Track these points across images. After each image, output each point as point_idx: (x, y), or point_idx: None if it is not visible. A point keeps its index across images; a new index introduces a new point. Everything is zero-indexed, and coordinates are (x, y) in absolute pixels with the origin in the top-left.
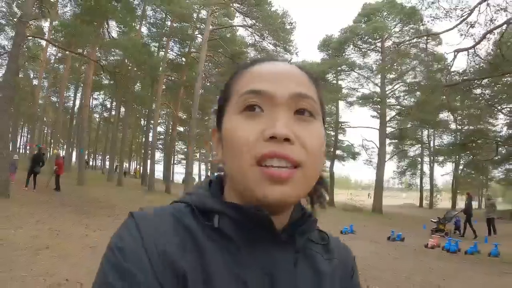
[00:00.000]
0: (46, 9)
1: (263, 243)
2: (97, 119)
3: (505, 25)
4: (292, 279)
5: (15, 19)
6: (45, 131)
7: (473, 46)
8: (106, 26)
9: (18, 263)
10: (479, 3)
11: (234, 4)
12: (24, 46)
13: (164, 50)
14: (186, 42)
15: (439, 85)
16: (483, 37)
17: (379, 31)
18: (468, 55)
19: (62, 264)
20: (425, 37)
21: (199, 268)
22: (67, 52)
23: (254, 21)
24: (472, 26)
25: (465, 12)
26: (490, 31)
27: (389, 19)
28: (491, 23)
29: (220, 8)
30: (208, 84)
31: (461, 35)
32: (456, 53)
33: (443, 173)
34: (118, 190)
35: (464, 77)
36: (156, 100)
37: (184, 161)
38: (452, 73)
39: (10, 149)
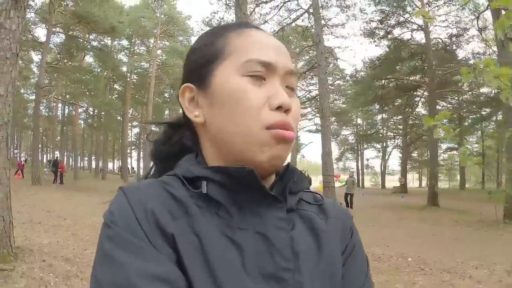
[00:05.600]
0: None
1: (253, 205)
2: (82, 124)
3: None
4: (288, 237)
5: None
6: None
7: None
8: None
9: (59, 211)
10: None
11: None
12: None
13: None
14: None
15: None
16: None
17: None
18: None
19: (74, 211)
20: None
21: (189, 231)
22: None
23: None
24: None
25: None
26: None
27: None
28: None
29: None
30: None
31: None
32: None
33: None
34: (102, 182)
35: None
36: (125, 106)
37: None
38: None
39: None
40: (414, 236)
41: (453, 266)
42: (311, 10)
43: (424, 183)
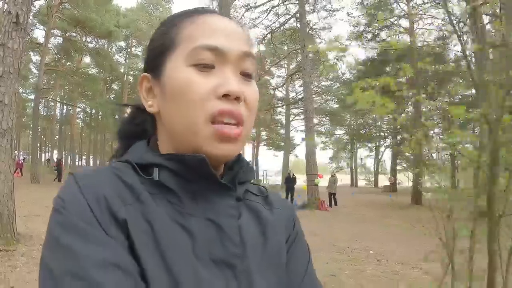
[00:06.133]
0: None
1: (204, 192)
2: (80, 124)
3: None
4: (236, 225)
5: None
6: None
7: None
8: None
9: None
10: None
11: None
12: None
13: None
14: None
15: None
16: None
17: None
18: None
19: None
20: None
21: (140, 218)
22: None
23: None
24: None
25: None
26: None
27: None
28: None
29: None
30: None
31: None
32: None
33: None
34: None
35: None
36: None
37: None
38: None
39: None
40: (388, 233)
41: (409, 259)
42: (298, 15)
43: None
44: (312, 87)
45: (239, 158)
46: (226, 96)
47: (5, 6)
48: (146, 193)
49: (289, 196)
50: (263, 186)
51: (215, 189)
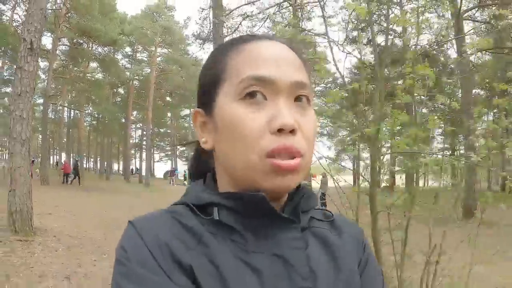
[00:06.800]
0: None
1: (267, 227)
2: (87, 127)
3: None
4: (304, 256)
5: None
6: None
7: None
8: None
9: (67, 204)
10: None
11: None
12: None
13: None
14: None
15: None
16: None
17: None
18: None
19: (80, 203)
20: None
21: (205, 261)
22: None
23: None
24: None
25: None
26: None
27: None
28: None
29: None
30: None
31: None
32: None
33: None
34: (106, 182)
35: None
36: (128, 110)
37: (165, 158)
38: None
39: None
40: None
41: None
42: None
43: (425, 182)
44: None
45: (299, 186)
46: (280, 130)
47: (21, 32)
48: (207, 234)
49: None
50: (328, 211)
51: (277, 223)
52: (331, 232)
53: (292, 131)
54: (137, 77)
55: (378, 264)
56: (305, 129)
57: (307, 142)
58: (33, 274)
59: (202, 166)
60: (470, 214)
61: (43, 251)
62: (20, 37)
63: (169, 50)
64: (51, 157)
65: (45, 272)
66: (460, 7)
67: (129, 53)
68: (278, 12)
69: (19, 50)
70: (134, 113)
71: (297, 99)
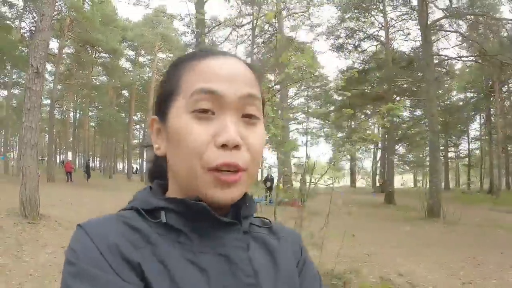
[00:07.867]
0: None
1: (211, 230)
2: (92, 128)
3: None
4: (246, 256)
5: None
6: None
7: None
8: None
9: (75, 198)
10: None
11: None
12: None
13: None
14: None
15: None
16: None
17: None
18: None
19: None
20: None
21: (153, 259)
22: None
23: None
24: None
25: None
26: None
27: None
28: None
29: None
30: None
31: None
32: None
33: None
34: (109, 180)
35: None
36: (130, 111)
37: None
38: None
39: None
40: (346, 226)
41: (344, 248)
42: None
43: (419, 183)
44: (307, 92)
45: (245, 194)
46: (224, 145)
47: (29, 59)
48: (155, 235)
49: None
50: (266, 218)
51: (221, 226)
52: (270, 236)
53: (236, 147)
54: (140, 81)
55: (315, 267)
56: (251, 144)
57: (252, 156)
58: (38, 244)
59: (159, 169)
60: (433, 213)
61: (47, 231)
62: (28, 62)
63: (168, 55)
64: (58, 156)
65: (47, 244)
66: (427, 18)
67: (132, 57)
68: (265, 23)
69: (28, 72)
70: (138, 114)
71: (246, 115)
